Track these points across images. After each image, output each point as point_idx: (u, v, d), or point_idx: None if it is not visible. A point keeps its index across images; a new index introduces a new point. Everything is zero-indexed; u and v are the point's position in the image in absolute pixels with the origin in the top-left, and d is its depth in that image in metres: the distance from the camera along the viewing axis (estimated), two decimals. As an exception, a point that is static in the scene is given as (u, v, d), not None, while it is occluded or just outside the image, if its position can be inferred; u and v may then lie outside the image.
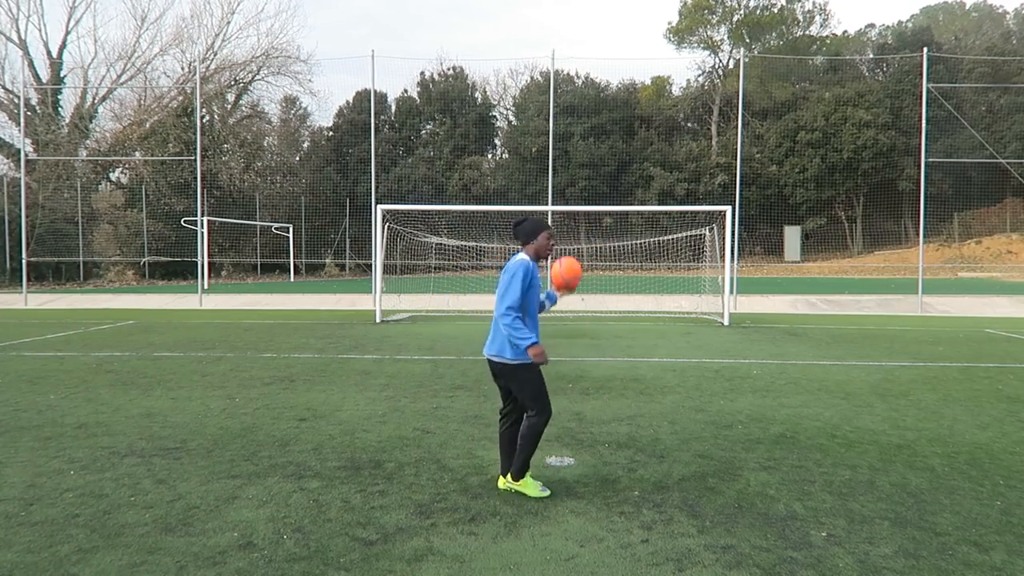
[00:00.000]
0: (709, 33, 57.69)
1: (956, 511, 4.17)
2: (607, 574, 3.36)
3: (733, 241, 17.56)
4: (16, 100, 32.98)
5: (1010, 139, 47.71)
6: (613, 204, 42.63)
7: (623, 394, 7.64)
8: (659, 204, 44.12)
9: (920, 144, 20.92)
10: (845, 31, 61.56)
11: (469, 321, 16.43)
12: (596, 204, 41.87)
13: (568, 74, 53.38)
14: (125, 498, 4.34)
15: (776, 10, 56.13)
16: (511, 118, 57.09)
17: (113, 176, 41.72)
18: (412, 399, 7.35)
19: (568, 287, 4.53)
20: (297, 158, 53.40)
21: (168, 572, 3.35)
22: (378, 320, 16.18)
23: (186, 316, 17.82)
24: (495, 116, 58.31)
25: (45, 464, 5.05)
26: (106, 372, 9.01)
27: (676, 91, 57.86)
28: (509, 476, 4.43)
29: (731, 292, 16.99)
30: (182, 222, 32.83)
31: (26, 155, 29.24)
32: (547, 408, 4.33)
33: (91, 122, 39.30)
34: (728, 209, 16.45)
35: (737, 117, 27.32)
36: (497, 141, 58.05)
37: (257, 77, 46.35)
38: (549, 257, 4.45)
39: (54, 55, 39.41)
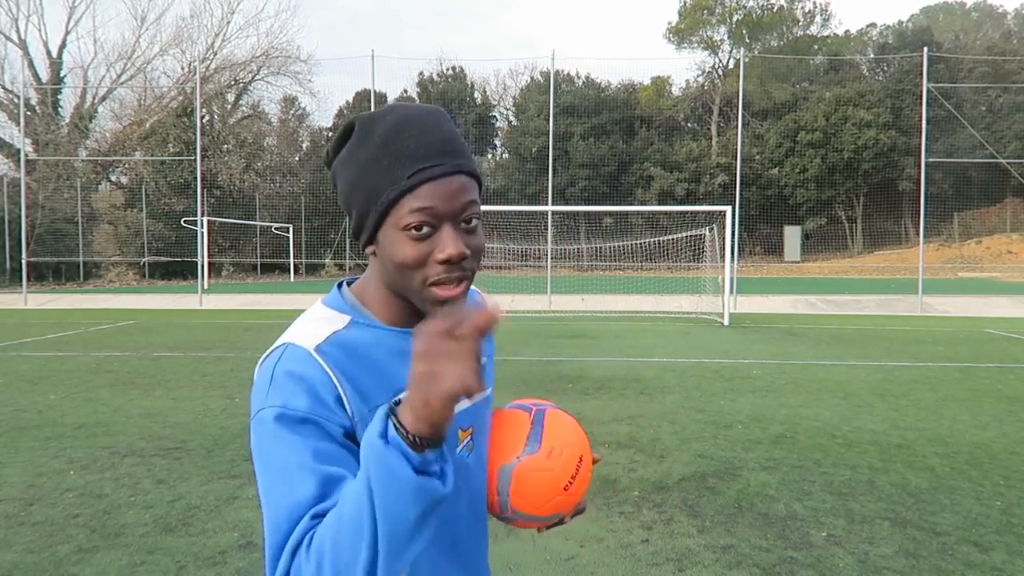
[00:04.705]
0: (709, 33, 57.65)
1: (956, 511, 4.17)
2: (607, 574, 3.36)
3: (733, 241, 17.56)
4: (16, 100, 32.93)
5: (1010, 139, 47.67)
6: (613, 204, 42.58)
7: (623, 394, 7.64)
8: (659, 204, 44.03)
9: (920, 144, 20.89)
10: (846, 31, 61.54)
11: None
12: (596, 204, 41.81)
13: (568, 74, 53.33)
14: (125, 498, 4.34)
15: (776, 10, 56.10)
16: (511, 118, 57.02)
17: (113, 176, 41.68)
18: (412, 399, 7.34)
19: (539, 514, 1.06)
20: (297, 158, 53.38)
21: (168, 572, 3.35)
22: (378, 320, 16.15)
23: (186, 316, 17.81)
24: (495, 116, 58.25)
25: (45, 464, 5.05)
26: (106, 372, 9.01)
27: (676, 91, 57.76)
28: None
29: (731, 292, 16.97)
30: (182, 222, 32.78)
31: (26, 155, 29.21)
32: None
33: (91, 122, 39.26)
34: (728, 209, 16.46)
35: (737, 117, 27.30)
36: (497, 141, 58.00)
37: (257, 77, 46.32)
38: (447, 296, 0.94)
39: (54, 55, 39.37)
